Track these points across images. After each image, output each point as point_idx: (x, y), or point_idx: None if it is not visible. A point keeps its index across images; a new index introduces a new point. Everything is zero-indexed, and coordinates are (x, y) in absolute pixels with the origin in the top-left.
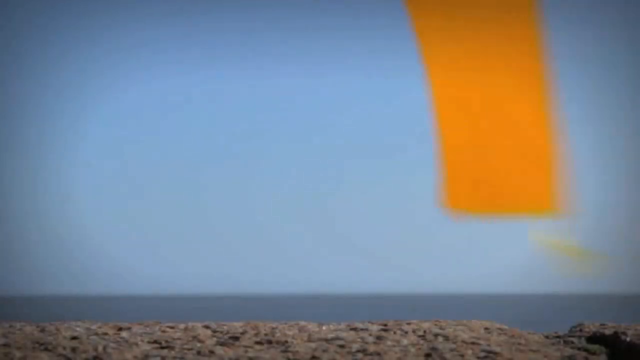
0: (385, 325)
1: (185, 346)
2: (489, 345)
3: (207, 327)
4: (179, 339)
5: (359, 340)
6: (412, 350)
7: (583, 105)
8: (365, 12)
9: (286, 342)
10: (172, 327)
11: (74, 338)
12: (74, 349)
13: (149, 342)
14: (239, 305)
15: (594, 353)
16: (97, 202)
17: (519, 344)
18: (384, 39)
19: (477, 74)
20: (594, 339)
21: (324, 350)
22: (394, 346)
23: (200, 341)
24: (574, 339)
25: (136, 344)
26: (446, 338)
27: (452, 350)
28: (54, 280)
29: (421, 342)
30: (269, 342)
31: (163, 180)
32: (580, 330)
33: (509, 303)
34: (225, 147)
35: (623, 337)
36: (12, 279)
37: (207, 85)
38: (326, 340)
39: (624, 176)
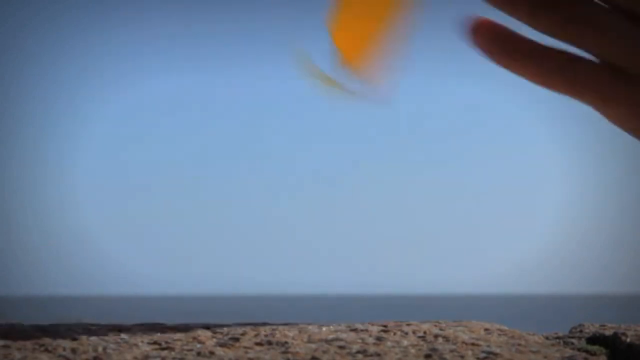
0: (385, 326)
1: (185, 347)
2: (489, 346)
3: (207, 327)
4: (179, 339)
5: (359, 341)
6: (412, 351)
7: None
8: None
9: (286, 343)
10: (172, 328)
11: (73, 339)
12: (73, 350)
13: (149, 343)
14: (239, 305)
15: (594, 354)
16: (97, 202)
17: (519, 345)
18: None
19: None
20: (594, 339)
21: (324, 351)
22: (394, 347)
23: (200, 342)
24: (574, 340)
25: (136, 345)
26: (446, 339)
27: (452, 351)
28: (54, 280)
29: (421, 343)
30: (269, 343)
31: (163, 180)
32: (581, 331)
33: (509, 303)
34: (226, 148)
35: (623, 337)
36: (12, 279)
37: (209, 85)
38: (326, 341)
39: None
